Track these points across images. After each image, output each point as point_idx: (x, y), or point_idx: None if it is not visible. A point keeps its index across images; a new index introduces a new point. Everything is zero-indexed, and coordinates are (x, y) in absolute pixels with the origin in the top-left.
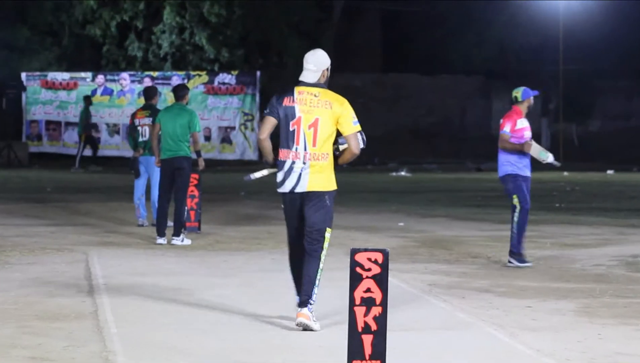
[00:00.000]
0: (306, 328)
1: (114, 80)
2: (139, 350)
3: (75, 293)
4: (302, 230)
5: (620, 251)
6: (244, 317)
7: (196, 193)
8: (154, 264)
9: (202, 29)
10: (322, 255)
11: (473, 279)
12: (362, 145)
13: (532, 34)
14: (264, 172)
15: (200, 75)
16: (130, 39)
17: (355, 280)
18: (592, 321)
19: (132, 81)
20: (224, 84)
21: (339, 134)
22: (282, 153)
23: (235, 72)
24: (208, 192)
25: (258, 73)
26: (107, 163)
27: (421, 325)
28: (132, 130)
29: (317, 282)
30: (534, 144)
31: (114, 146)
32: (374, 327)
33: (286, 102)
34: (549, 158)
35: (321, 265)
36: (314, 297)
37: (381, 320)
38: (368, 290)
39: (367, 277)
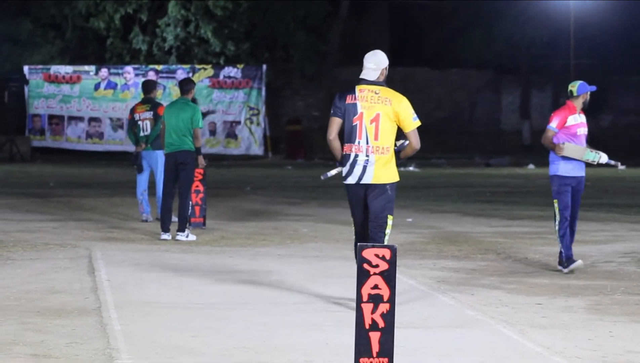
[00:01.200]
0: None
1: (117, 74)
2: (142, 348)
3: (78, 290)
4: (367, 219)
5: (631, 248)
6: (250, 315)
7: (201, 188)
8: (158, 260)
9: (208, 22)
10: (385, 241)
11: (482, 276)
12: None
13: (543, 28)
14: (338, 170)
15: (205, 69)
16: (134, 32)
17: (362, 276)
18: (603, 319)
19: (137, 75)
20: (229, 77)
21: (400, 131)
22: (346, 147)
23: (241, 66)
24: (213, 187)
25: (264, 67)
26: (110, 158)
27: (429, 323)
28: (132, 125)
29: None
30: (571, 147)
31: (117, 141)
32: (381, 324)
33: (348, 99)
34: (603, 158)
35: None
36: None
37: (389, 317)
38: (376, 286)
39: (374, 274)
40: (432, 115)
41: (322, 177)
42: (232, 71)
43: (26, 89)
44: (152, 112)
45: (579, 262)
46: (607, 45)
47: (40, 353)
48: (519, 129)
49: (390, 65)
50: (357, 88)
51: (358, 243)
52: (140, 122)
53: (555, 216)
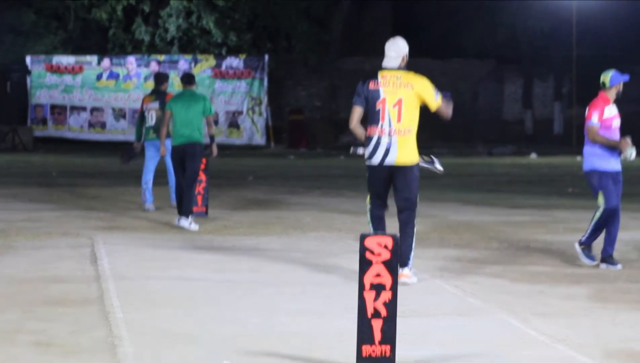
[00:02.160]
0: (405, 284)
1: (120, 64)
2: (144, 335)
3: (80, 279)
4: (384, 198)
5: (633, 236)
6: (252, 302)
7: (203, 178)
8: (160, 249)
9: (210, 12)
10: (415, 223)
11: (484, 264)
12: (450, 106)
13: (545, 19)
14: (361, 150)
15: (207, 59)
16: (136, 22)
17: (364, 265)
18: (605, 306)
19: (139, 65)
20: (231, 68)
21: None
22: (370, 129)
23: (243, 56)
24: (215, 177)
25: (266, 57)
26: (113, 147)
27: (432, 311)
28: (141, 118)
29: (413, 247)
30: (630, 142)
31: (120, 131)
32: (383, 312)
33: (371, 85)
34: (633, 155)
35: (415, 231)
36: (411, 259)
37: (391, 305)
38: (378, 275)
39: (376, 262)
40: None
41: (351, 150)
42: (234, 61)
43: (28, 79)
44: (158, 102)
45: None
46: (609, 36)
47: (43, 342)
48: (521, 118)
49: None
50: (380, 74)
51: (360, 233)
52: (146, 113)
53: (598, 209)
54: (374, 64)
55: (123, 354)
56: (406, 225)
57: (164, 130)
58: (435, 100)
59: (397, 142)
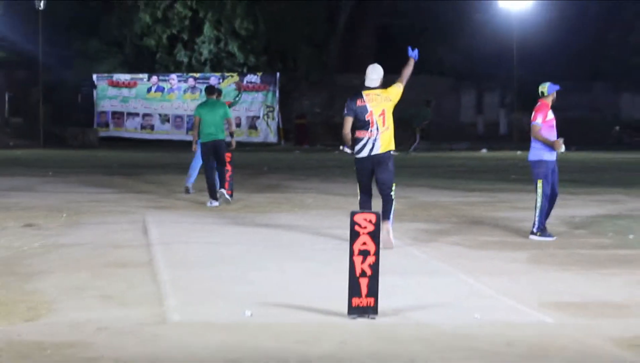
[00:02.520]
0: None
1: (165, 80)
2: (185, 292)
3: (135, 246)
4: (370, 184)
5: (562, 213)
6: (267, 265)
7: (229, 168)
8: (198, 223)
9: (234, 40)
10: (393, 196)
11: (447, 235)
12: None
13: (492, 44)
14: (349, 150)
15: (232, 76)
16: (178, 48)
17: (354, 236)
18: (539, 267)
19: (179, 81)
20: (251, 82)
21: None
22: (361, 133)
23: (259, 74)
24: (239, 168)
25: (278, 74)
26: (159, 145)
27: (406, 271)
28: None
29: (392, 214)
30: (562, 142)
31: (164, 131)
32: (369, 272)
33: (359, 103)
34: (563, 149)
35: (394, 203)
36: (392, 221)
37: (375, 266)
38: (364, 243)
39: (363, 234)
40: (407, 112)
41: (340, 147)
42: (253, 78)
43: (94, 92)
44: None
45: (553, 238)
46: (542, 57)
47: (106, 295)
48: (474, 122)
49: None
50: (364, 93)
51: (350, 211)
52: None
53: (537, 195)
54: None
55: (168, 305)
56: (386, 201)
57: (195, 132)
58: (400, 88)
59: (381, 138)
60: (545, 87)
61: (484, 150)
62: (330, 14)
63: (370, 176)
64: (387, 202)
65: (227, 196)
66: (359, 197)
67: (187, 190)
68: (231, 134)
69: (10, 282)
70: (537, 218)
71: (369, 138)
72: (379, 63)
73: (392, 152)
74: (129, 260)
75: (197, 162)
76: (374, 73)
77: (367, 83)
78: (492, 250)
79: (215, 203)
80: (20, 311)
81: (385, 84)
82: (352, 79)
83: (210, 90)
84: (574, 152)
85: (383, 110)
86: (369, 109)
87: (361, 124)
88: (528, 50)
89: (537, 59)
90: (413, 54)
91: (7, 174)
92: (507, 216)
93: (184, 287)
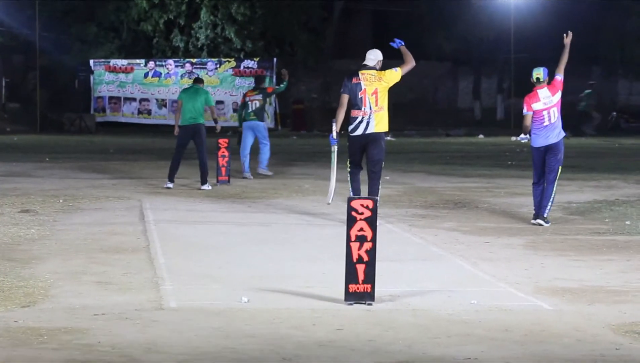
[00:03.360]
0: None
1: (162, 65)
2: (181, 277)
3: (131, 232)
4: (360, 160)
5: (558, 198)
6: (264, 251)
7: (226, 153)
8: (194, 209)
9: (231, 25)
10: (380, 176)
11: (443, 221)
12: (409, 56)
13: (490, 29)
14: (335, 130)
15: (229, 62)
16: (174, 33)
17: (351, 221)
18: (536, 253)
19: (176, 66)
20: (248, 68)
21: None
22: (354, 112)
23: (257, 59)
24: (235, 153)
25: (275, 60)
26: (156, 129)
27: (402, 257)
28: (242, 107)
29: (379, 193)
30: None
31: (162, 116)
32: (365, 258)
33: (354, 80)
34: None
35: (380, 182)
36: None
37: (371, 252)
38: (361, 229)
39: (360, 219)
40: (405, 97)
41: (331, 135)
42: (250, 63)
43: (92, 77)
44: (261, 95)
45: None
46: (539, 43)
47: (102, 281)
48: (472, 107)
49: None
50: (360, 72)
51: (348, 197)
52: (249, 103)
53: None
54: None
55: (164, 291)
56: (373, 179)
57: (177, 115)
58: (397, 72)
59: (375, 118)
60: (540, 73)
61: (481, 136)
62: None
63: (361, 153)
64: (375, 180)
65: (206, 186)
66: (348, 171)
67: (247, 176)
68: (215, 120)
69: (7, 268)
70: (550, 204)
71: (363, 117)
72: (376, 49)
73: (385, 133)
74: (125, 245)
75: (245, 148)
76: (372, 54)
77: (365, 62)
78: (489, 236)
79: (170, 185)
80: (17, 297)
81: (383, 69)
82: (349, 64)
83: (198, 79)
84: (570, 138)
85: (376, 90)
86: (363, 86)
87: (355, 102)
88: (525, 35)
89: (534, 44)
90: (396, 43)
91: (4, 159)
92: (504, 202)
93: (180, 272)
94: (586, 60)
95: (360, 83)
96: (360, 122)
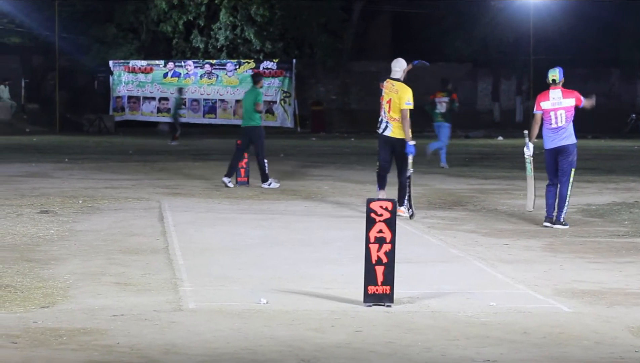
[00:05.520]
0: (400, 216)
1: (181, 66)
2: (200, 278)
3: (150, 233)
4: (386, 158)
5: (577, 201)
6: (283, 252)
7: (246, 155)
8: (212, 210)
9: (251, 26)
10: (408, 173)
11: (462, 223)
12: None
13: (509, 31)
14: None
15: (248, 63)
16: (194, 34)
17: (370, 223)
18: (555, 256)
19: (195, 67)
20: (267, 69)
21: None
22: (381, 112)
23: (276, 60)
24: (255, 154)
25: (294, 61)
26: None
27: (422, 259)
28: (432, 105)
29: (407, 191)
30: None
31: (182, 115)
32: (384, 259)
33: (381, 86)
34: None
35: (408, 176)
36: (405, 201)
37: (390, 254)
38: (380, 231)
39: (379, 221)
40: (424, 99)
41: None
42: (270, 64)
43: (111, 78)
44: (448, 98)
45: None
46: (558, 44)
47: (122, 282)
48: (490, 109)
49: (391, 60)
50: (386, 81)
51: (367, 198)
52: (438, 104)
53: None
54: (377, 66)
55: (183, 292)
56: (400, 176)
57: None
58: (405, 104)
59: (392, 125)
60: (556, 74)
61: (500, 138)
62: (346, 1)
63: (386, 151)
64: (400, 189)
65: (266, 185)
66: (376, 171)
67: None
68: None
69: (26, 268)
70: (567, 205)
71: (382, 118)
72: (394, 51)
73: (403, 139)
74: (144, 246)
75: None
76: (396, 65)
77: (391, 74)
78: (508, 238)
79: (226, 181)
80: (36, 298)
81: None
82: (368, 66)
83: (253, 77)
84: (590, 140)
85: (390, 99)
86: (382, 93)
87: (381, 105)
88: (544, 37)
89: (553, 46)
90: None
91: (23, 160)
92: (523, 204)
93: (199, 273)
94: (605, 63)
95: (382, 90)
96: (381, 122)
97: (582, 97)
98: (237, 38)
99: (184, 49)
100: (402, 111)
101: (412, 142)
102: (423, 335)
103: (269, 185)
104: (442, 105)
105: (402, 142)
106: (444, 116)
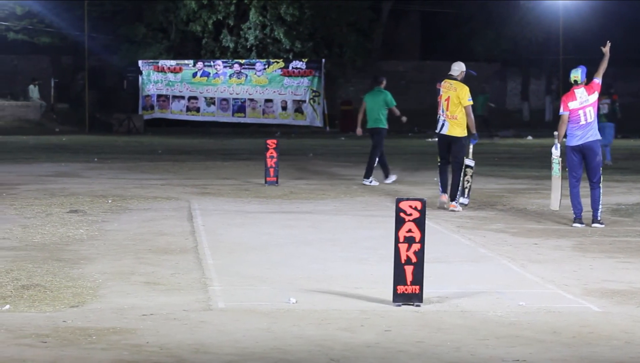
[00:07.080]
0: (444, 208)
1: (210, 66)
2: (229, 277)
3: (180, 233)
4: (445, 154)
5: (607, 200)
6: (312, 252)
7: (274, 154)
8: (242, 210)
9: (280, 26)
10: (461, 175)
11: (491, 222)
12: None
13: (539, 30)
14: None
15: (277, 62)
16: (223, 33)
17: (399, 222)
18: (585, 255)
19: (225, 66)
20: (296, 68)
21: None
22: (438, 112)
23: (305, 60)
24: (284, 154)
25: (323, 60)
26: (205, 130)
27: (451, 258)
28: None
29: (459, 186)
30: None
31: (210, 113)
32: (414, 259)
33: (438, 85)
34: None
35: (461, 175)
36: (457, 196)
37: (420, 254)
38: (409, 230)
39: (409, 221)
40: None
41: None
42: (299, 64)
43: (140, 78)
44: (609, 100)
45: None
46: (588, 43)
47: (151, 281)
48: (520, 108)
49: (420, 59)
50: (444, 80)
51: (396, 198)
52: (601, 105)
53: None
54: (406, 66)
55: (212, 291)
56: (455, 171)
57: (359, 116)
58: (467, 100)
59: (449, 123)
60: (578, 75)
61: (529, 138)
62: (375, 1)
63: (444, 149)
64: (456, 173)
65: (367, 181)
66: (438, 163)
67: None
68: (399, 116)
69: (56, 268)
70: (601, 206)
71: (440, 117)
72: (423, 50)
73: (461, 137)
74: (174, 246)
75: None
76: (455, 65)
77: (450, 73)
78: (538, 238)
79: (365, 182)
80: (66, 297)
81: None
82: (397, 65)
83: (377, 77)
84: (619, 140)
85: (448, 97)
86: (441, 92)
87: (439, 104)
88: (574, 36)
89: (582, 46)
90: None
91: (53, 159)
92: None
93: (228, 273)
94: (635, 62)
95: (439, 89)
96: (439, 121)
97: (597, 82)
98: (267, 38)
99: (213, 48)
100: (465, 108)
101: (475, 133)
102: (452, 334)
103: (370, 182)
104: (604, 106)
105: (457, 140)
106: (607, 117)
